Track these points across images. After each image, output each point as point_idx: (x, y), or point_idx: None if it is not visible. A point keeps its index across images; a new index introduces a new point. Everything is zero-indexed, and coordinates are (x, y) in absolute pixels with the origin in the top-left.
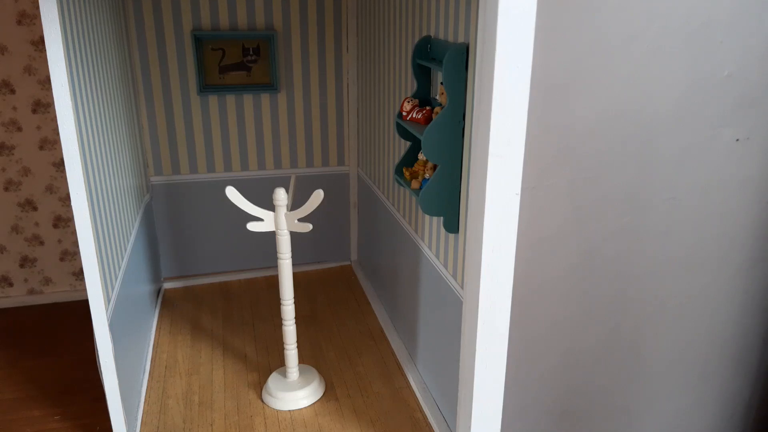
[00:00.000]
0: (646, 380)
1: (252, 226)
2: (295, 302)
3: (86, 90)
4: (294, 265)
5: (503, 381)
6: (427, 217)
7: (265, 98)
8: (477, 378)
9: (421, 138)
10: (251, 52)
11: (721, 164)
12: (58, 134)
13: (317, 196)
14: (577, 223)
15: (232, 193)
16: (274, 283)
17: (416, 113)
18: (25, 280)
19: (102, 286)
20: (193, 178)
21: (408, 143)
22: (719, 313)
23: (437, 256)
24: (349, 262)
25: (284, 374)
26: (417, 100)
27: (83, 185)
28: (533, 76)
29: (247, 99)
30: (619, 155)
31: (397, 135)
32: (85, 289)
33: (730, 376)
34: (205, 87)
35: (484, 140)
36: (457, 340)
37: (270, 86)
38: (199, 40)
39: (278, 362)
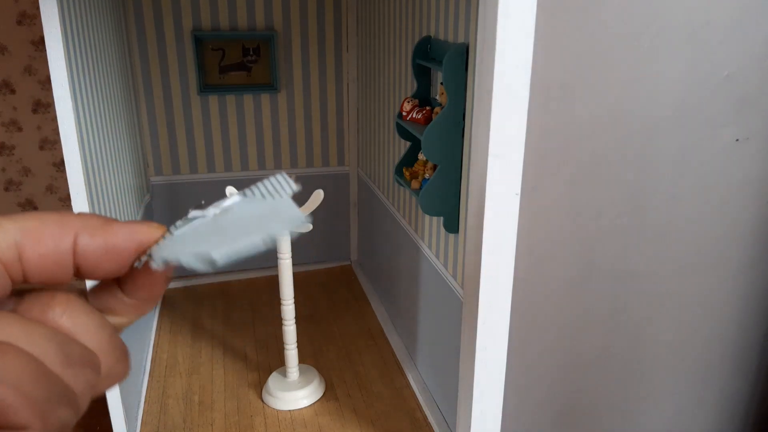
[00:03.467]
0: (645, 380)
1: None
2: (295, 302)
3: (86, 90)
4: (294, 265)
5: (503, 381)
6: (427, 217)
7: (265, 98)
8: (477, 378)
9: (421, 138)
10: (251, 52)
11: (721, 164)
12: (58, 134)
13: (317, 196)
14: (577, 223)
15: (233, 193)
16: (274, 283)
17: (416, 113)
18: None
19: None
20: (193, 178)
21: (408, 143)
22: (719, 313)
23: (437, 256)
24: (349, 262)
25: (284, 374)
26: (417, 100)
27: (83, 185)
28: (533, 76)
29: (247, 99)
30: (619, 155)
31: (397, 135)
32: (85, 289)
33: (730, 376)
34: (205, 87)
35: (484, 140)
36: (457, 340)
37: (270, 86)
38: (199, 40)
39: (278, 362)
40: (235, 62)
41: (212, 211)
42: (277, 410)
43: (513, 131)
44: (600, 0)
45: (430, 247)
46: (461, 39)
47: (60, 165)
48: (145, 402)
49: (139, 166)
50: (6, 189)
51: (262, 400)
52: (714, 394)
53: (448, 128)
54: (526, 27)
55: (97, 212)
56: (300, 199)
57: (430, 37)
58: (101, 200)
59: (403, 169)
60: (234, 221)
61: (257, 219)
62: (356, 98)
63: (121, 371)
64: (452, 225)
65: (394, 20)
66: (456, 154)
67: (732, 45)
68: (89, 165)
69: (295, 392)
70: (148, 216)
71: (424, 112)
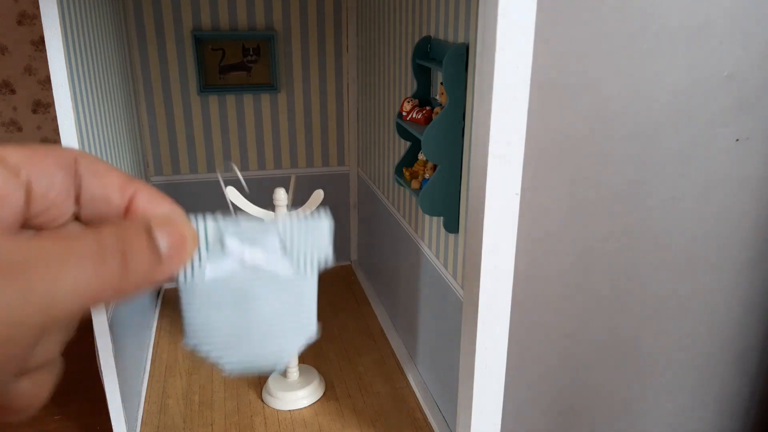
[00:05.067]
0: (646, 380)
1: None
2: None
3: (86, 90)
4: None
5: (503, 381)
6: (427, 217)
7: (265, 98)
8: (477, 378)
9: (421, 138)
10: (251, 52)
11: (721, 164)
12: (58, 134)
13: (317, 196)
14: (577, 223)
15: (232, 193)
16: None
17: (416, 113)
18: None
19: None
20: (193, 178)
21: (408, 143)
22: (719, 313)
23: (437, 256)
24: (349, 262)
25: (284, 374)
26: (417, 100)
27: None
28: (533, 76)
29: (247, 99)
30: (619, 155)
31: (397, 135)
32: None
33: (730, 376)
34: (205, 87)
35: (484, 140)
36: (457, 340)
37: (270, 86)
38: (199, 40)
39: None
40: (235, 62)
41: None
42: (277, 410)
43: (513, 131)
44: (600, 0)
45: (430, 247)
46: (461, 39)
47: None
48: (144, 402)
49: (139, 166)
50: None
51: (262, 400)
52: (714, 394)
53: (448, 128)
54: (526, 27)
55: None
56: (300, 200)
57: (430, 37)
58: None
59: (403, 169)
60: (259, 312)
61: (280, 329)
62: (356, 98)
63: None
64: (452, 225)
65: (394, 20)
66: (456, 154)
67: (732, 45)
68: None
69: (295, 392)
70: None
71: (424, 112)
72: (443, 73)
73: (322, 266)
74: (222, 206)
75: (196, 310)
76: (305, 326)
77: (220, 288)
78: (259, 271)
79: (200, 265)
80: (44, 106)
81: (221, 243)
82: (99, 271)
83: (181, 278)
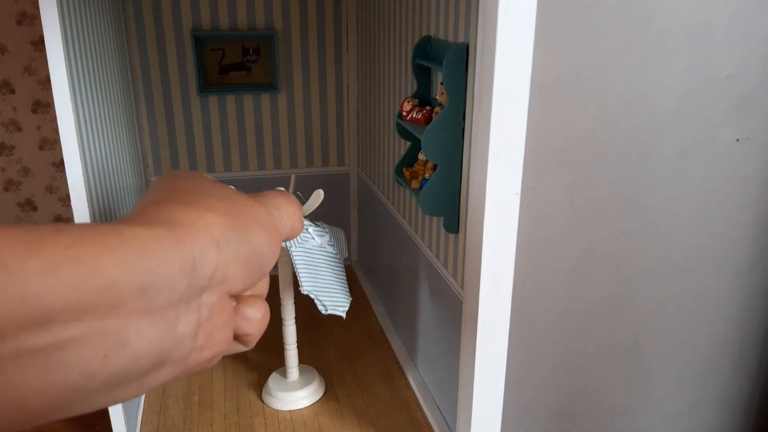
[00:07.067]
0: (646, 380)
1: None
2: (295, 302)
3: (86, 90)
4: None
5: (503, 381)
6: (427, 217)
7: (265, 98)
8: (477, 378)
9: (421, 138)
10: (251, 52)
11: (721, 164)
12: (58, 134)
13: (317, 196)
14: (577, 223)
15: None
16: (274, 283)
17: (416, 113)
18: None
19: None
20: None
21: (408, 143)
22: (719, 313)
23: (437, 256)
24: (349, 262)
25: (284, 374)
26: (417, 100)
27: (83, 185)
28: (533, 76)
29: (247, 99)
30: (619, 155)
31: (397, 135)
32: None
33: (730, 376)
34: (205, 87)
35: (484, 140)
36: (457, 340)
37: (270, 86)
38: (199, 40)
39: (278, 362)
40: (235, 62)
41: (317, 240)
42: (277, 410)
43: (513, 131)
44: (600, 0)
45: (430, 247)
46: (461, 39)
47: (60, 165)
48: (144, 402)
49: (139, 166)
50: (6, 189)
51: (262, 401)
52: (714, 394)
53: (448, 128)
54: (526, 27)
55: (96, 212)
56: (300, 200)
57: (430, 37)
58: (101, 200)
59: (403, 169)
60: (325, 270)
61: (333, 279)
62: (356, 98)
63: None
64: (452, 225)
65: (394, 20)
66: (456, 154)
67: (732, 45)
68: (89, 165)
69: (294, 392)
70: None
71: (424, 112)
72: (443, 73)
73: (343, 254)
74: None
75: (304, 268)
76: (347, 289)
77: (311, 255)
78: (325, 249)
79: (300, 240)
80: (44, 106)
81: (306, 230)
82: (280, 226)
83: (291, 247)
